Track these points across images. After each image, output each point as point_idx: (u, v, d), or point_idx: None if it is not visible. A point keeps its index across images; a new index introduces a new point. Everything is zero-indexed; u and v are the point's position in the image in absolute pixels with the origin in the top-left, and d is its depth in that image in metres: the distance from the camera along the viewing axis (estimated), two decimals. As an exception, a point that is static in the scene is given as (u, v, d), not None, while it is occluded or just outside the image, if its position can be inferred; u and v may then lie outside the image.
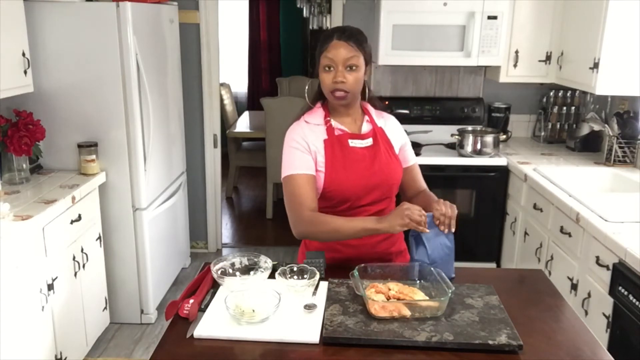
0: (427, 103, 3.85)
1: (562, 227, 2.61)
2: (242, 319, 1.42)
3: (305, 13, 6.88)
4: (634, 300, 1.96)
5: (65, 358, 2.57)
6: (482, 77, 3.92)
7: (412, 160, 1.93)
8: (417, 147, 3.38)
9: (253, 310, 1.44)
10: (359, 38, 1.74)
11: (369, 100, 1.90)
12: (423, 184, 1.94)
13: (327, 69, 1.72)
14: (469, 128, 3.57)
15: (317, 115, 1.82)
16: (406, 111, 3.78)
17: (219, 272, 1.62)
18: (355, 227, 1.65)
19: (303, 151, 1.75)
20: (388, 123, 1.91)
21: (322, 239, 1.76)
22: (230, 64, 7.27)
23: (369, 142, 1.81)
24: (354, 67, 1.71)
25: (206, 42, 3.89)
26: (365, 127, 1.83)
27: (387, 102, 3.74)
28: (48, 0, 2.75)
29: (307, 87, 1.87)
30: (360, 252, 1.80)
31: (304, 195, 1.70)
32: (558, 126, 3.77)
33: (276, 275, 1.61)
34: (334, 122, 1.80)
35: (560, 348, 1.39)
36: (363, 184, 1.75)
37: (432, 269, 1.61)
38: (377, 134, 1.83)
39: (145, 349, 3.00)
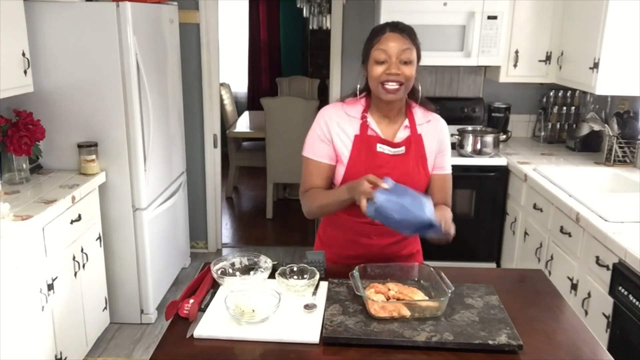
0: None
1: (562, 227, 2.61)
2: (242, 319, 1.42)
3: (305, 13, 6.90)
4: (634, 300, 1.96)
5: (65, 358, 2.57)
6: (482, 77, 3.92)
7: (438, 169, 1.82)
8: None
9: (253, 310, 1.44)
10: (412, 32, 1.68)
11: (420, 102, 1.81)
12: (442, 199, 1.81)
13: (379, 62, 1.65)
14: (469, 128, 3.57)
15: (356, 107, 1.78)
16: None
17: (219, 272, 1.62)
18: (334, 200, 1.70)
19: (323, 140, 1.78)
20: (431, 128, 1.80)
21: (319, 214, 1.85)
22: (230, 64, 7.27)
23: (400, 150, 1.75)
24: (408, 61, 1.65)
25: (206, 42, 3.89)
26: (401, 134, 1.76)
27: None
28: (48, 0, 2.75)
29: (358, 86, 1.79)
30: (368, 251, 1.81)
31: (309, 177, 1.80)
32: (558, 126, 3.77)
33: (276, 275, 1.61)
34: (370, 120, 1.76)
35: (560, 348, 1.39)
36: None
37: (431, 268, 1.62)
38: (412, 142, 1.76)
39: (145, 349, 3.00)
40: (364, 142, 1.75)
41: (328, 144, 1.77)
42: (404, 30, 1.67)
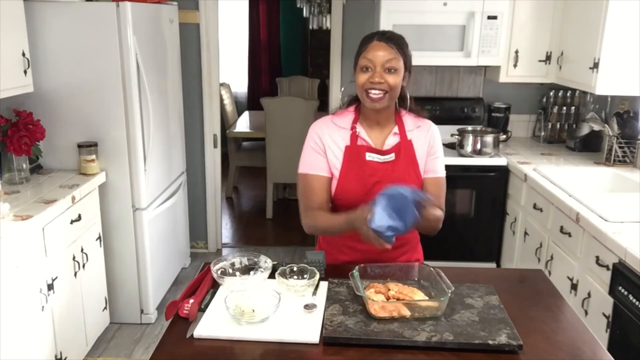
0: (427, 103, 3.85)
1: (562, 227, 2.61)
2: (242, 319, 1.43)
3: (305, 13, 6.90)
4: (634, 300, 1.96)
5: (65, 358, 2.57)
6: (482, 77, 3.92)
7: (430, 172, 1.81)
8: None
9: (253, 310, 1.44)
10: (400, 42, 1.70)
11: (411, 109, 1.83)
12: (435, 203, 1.75)
13: (364, 69, 1.68)
14: (469, 128, 3.57)
15: (346, 118, 1.80)
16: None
17: (219, 272, 1.62)
18: (335, 227, 1.72)
19: (318, 152, 1.78)
20: (421, 133, 1.81)
21: (320, 234, 1.88)
22: (230, 64, 7.27)
23: (389, 157, 1.77)
24: (392, 70, 1.67)
25: (206, 42, 3.89)
26: (390, 141, 1.78)
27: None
28: (48, 0, 2.75)
29: (341, 90, 1.83)
30: (365, 257, 1.79)
31: (309, 194, 1.78)
32: (558, 126, 3.77)
33: (276, 275, 1.61)
34: (359, 130, 1.77)
35: (560, 348, 1.39)
36: (371, 198, 1.69)
37: (431, 269, 1.61)
38: (402, 148, 1.78)
39: (145, 349, 3.00)
40: (354, 152, 1.76)
41: (323, 156, 1.78)
42: (391, 40, 1.68)
